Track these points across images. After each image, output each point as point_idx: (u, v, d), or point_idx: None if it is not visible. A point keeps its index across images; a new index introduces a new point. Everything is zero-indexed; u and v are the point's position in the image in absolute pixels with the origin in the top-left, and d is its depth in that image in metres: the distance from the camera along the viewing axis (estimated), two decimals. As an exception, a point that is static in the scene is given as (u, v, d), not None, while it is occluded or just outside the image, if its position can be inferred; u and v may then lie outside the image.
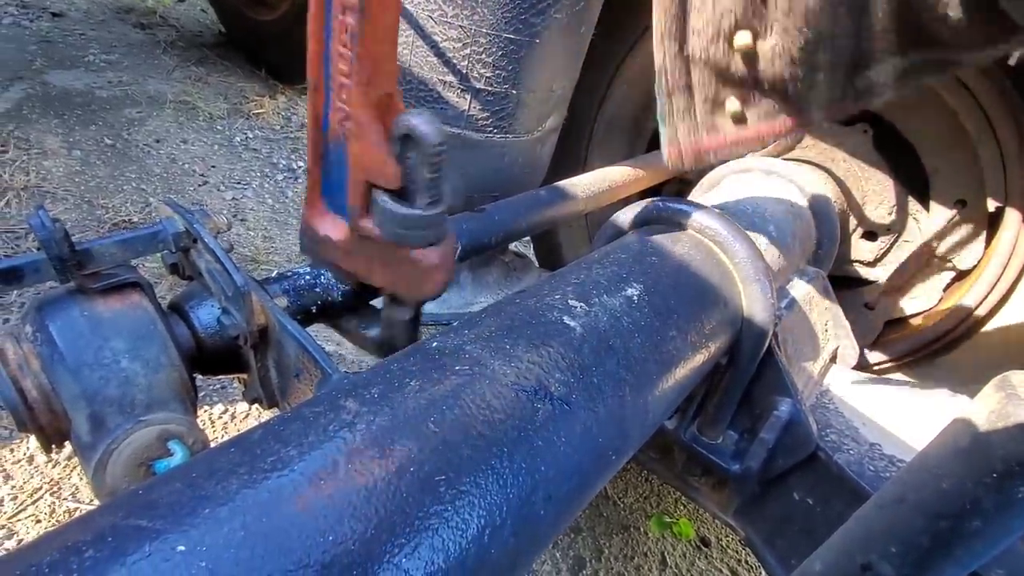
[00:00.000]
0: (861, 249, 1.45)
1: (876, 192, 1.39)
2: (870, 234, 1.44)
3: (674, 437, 1.00)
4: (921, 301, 1.43)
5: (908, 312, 1.45)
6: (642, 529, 1.78)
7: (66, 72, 3.47)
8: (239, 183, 2.99)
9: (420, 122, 0.59)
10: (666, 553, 1.74)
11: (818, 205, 1.29)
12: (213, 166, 3.05)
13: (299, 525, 0.40)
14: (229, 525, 0.39)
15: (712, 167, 1.45)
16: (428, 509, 0.44)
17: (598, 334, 0.65)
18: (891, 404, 1.07)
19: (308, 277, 0.77)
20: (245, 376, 0.73)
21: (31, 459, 1.63)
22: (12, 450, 1.63)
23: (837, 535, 0.64)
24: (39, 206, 0.61)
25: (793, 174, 1.31)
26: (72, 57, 3.68)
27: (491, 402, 0.53)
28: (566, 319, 0.65)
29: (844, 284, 1.47)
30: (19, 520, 1.50)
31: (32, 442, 1.66)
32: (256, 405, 0.76)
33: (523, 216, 1.09)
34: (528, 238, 2.21)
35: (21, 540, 1.48)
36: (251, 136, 3.40)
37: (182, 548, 0.37)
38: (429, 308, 1.43)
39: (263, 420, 0.51)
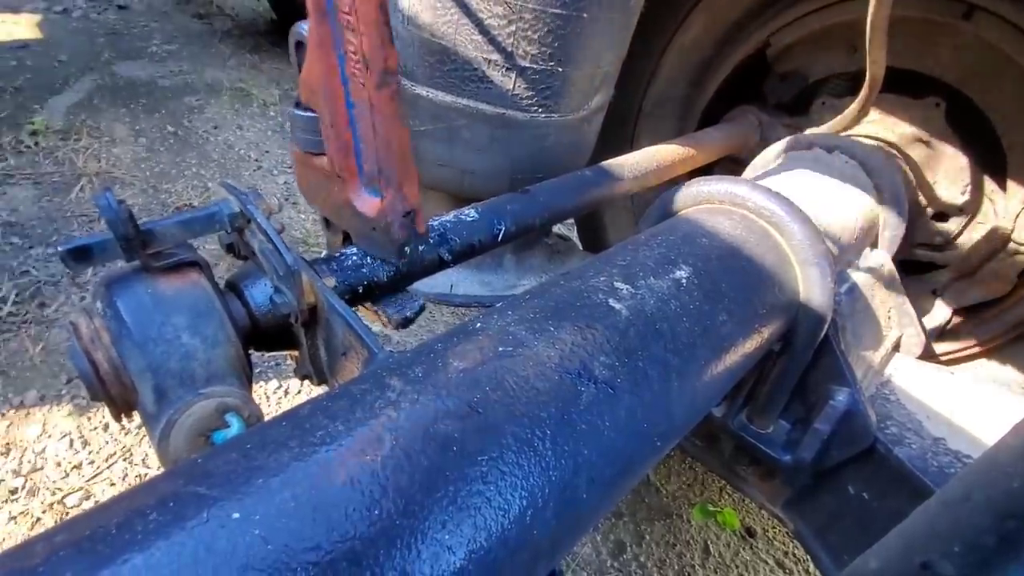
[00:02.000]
0: (931, 231, 1.36)
1: (948, 170, 1.29)
2: (941, 215, 1.34)
3: (722, 425, 0.97)
4: (995, 288, 1.33)
5: (981, 299, 1.35)
6: (685, 517, 1.76)
7: (132, 63, 3.65)
8: (291, 168, 3.08)
9: None
10: (709, 542, 1.71)
11: (884, 184, 1.21)
12: (267, 151, 3.15)
13: (346, 498, 0.41)
14: (280, 495, 0.40)
15: (766, 145, 1.39)
16: (471, 487, 0.44)
17: (644, 317, 0.63)
18: (959, 397, 1.00)
19: (355, 258, 0.78)
20: (296, 353, 0.76)
21: (107, 427, 1.76)
22: (89, 418, 1.76)
23: (895, 532, 0.61)
24: (106, 188, 0.65)
25: (856, 151, 1.23)
26: (137, 48, 3.86)
27: (534, 384, 0.52)
28: (611, 301, 0.63)
29: (912, 268, 1.38)
30: (95, 483, 1.63)
31: (106, 411, 1.79)
32: (307, 381, 0.78)
33: (568, 197, 1.07)
34: (572, 220, 2.18)
35: (97, 502, 1.60)
36: (302, 121, 3.49)
37: (237, 515, 0.38)
38: (473, 291, 1.44)
39: (313, 396, 0.53)
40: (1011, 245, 1.27)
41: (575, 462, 0.51)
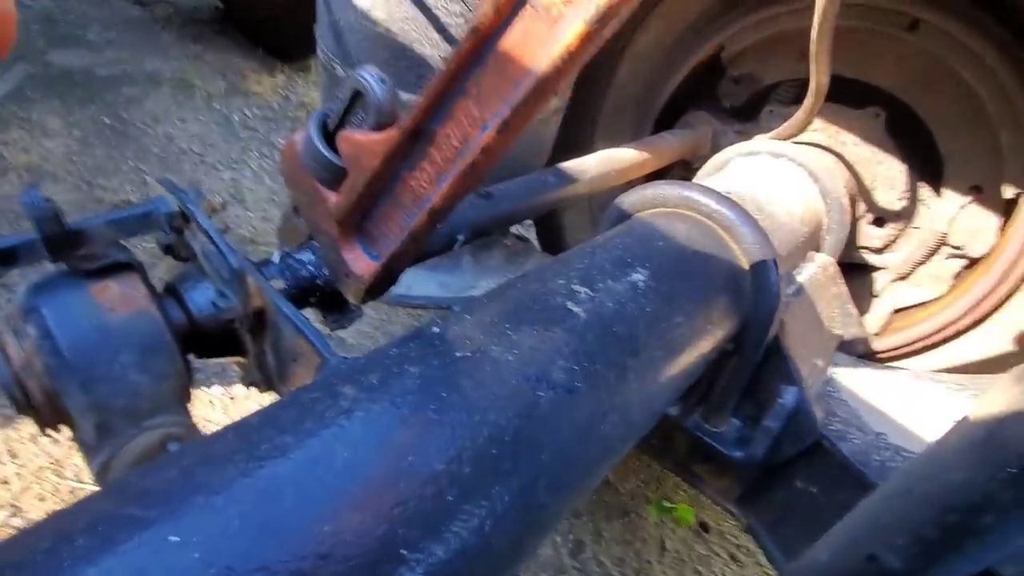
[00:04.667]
0: (870, 235, 1.42)
1: (887, 177, 1.36)
2: (879, 220, 1.41)
3: (677, 424, 0.99)
4: (930, 289, 1.41)
5: (916, 300, 1.43)
6: (642, 514, 1.79)
7: (67, 51, 3.43)
8: (237, 163, 2.96)
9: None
10: (665, 538, 1.75)
11: (827, 190, 1.26)
12: (211, 145, 3.02)
13: (296, 515, 0.39)
14: (224, 514, 0.38)
15: (718, 150, 1.42)
16: (427, 499, 0.43)
17: (602, 320, 0.63)
18: (898, 393, 1.06)
19: (307, 260, 0.75)
20: (242, 359, 0.72)
21: (35, 438, 1.64)
22: (16, 429, 1.64)
23: (842, 525, 0.63)
24: (31, 185, 0.60)
25: (802, 158, 1.28)
26: (73, 36, 3.63)
27: (492, 389, 0.51)
28: (570, 304, 0.63)
29: (852, 271, 1.45)
30: (24, 498, 1.52)
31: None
32: (255, 388, 0.75)
33: (527, 198, 1.07)
34: (530, 221, 2.18)
35: (27, 518, 1.49)
36: (249, 115, 3.36)
37: (174, 538, 0.36)
38: (430, 292, 1.42)
39: (262, 402, 0.50)
40: (945, 248, 1.35)
41: (534, 468, 0.50)
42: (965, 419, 0.50)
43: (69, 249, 0.59)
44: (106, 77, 3.29)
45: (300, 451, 0.42)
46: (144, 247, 2.11)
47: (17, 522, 1.48)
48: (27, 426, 1.65)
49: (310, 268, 0.74)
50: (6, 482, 1.53)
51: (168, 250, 0.71)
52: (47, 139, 2.71)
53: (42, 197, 0.58)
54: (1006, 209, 1.27)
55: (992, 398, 0.47)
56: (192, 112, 3.22)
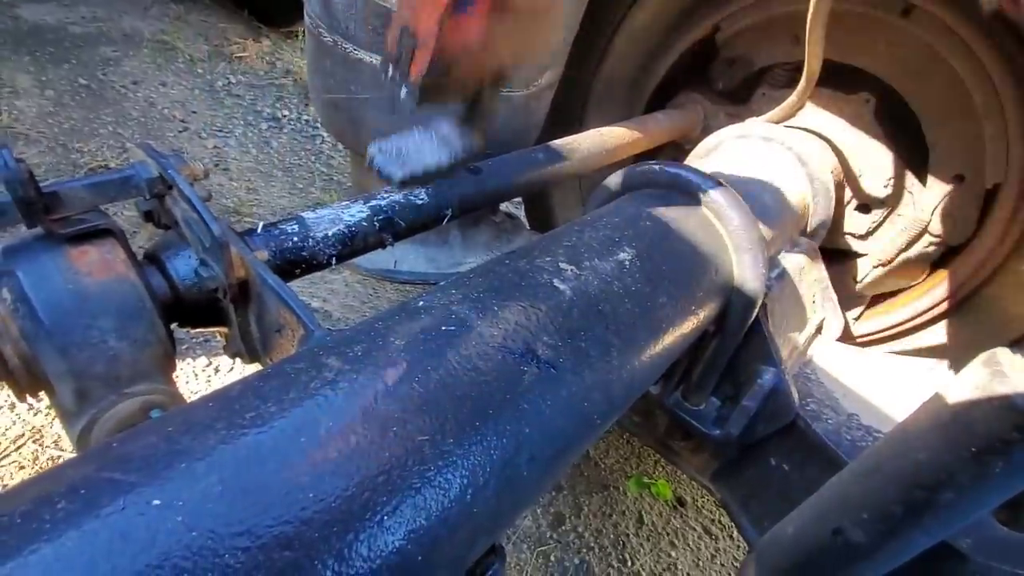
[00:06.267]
0: (854, 221, 1.44)
1: (873, 164, 1.37)
2: (864, 206, 1.43)
3: (658, 402, 1.01)
4: (909, 276, 1.44)
5: (896, 286, 1.46)
6: (621, 489, 1.83)
7: (37, 6, 3.28)
8: (221, 131, 2.89)
9: None
10: (643, 512, 1.79)
11: (814, 175, 1.27)
12: (194, 112, 2.94)
13: (279, 481, 0.39)
14: (206, 480, 0.38)
15: (709, 132, 1.42)
16: (411, 468, 0.44)
17: (588, 298, 0.64)
18: (873, 376, 1.09)
19: (292, 231, 0.74)
20: (226, 330, 0.72)
21: (12, 406, 1.62)
22: (-9, 396, 1.62)
23: (811, 500, 0.65)
24: (2, 144, 0.58)
25: (792, 142, 1.29)
26: (43, -11, 3.47)
27: (477, 363, 0.52)
28: (556, 282, 0.63)
29: (834, 256, 1.47)
30: (2, 466, 1.50)
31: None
32: (239, 359, 0.74)
33: (516, 175, 1.06)
34: (519, 199, 2.17)
35: (5, 486, 1.48)
36: (233, 81, 3.27)
37: (157, 502, 0.36)
38: (418, 267, 1.41)
39: (246, 373, 0.50)
40: (926, 236, 1.37)
41: (516, 441, 0.51)
42: (933, 400, 0.52)
43: (44, 213, 0.58)
44: (81, 35, 3.16)
45: (283, 420, 0.42)
46: (124, 215, 2.07)
47: (-5, 489, 1.47)
48: (3, 394, 1.63)
49: (295, 239, 0.73)
50: (-17, 449, 1.51)
51: (148, 216, 0.70)
52: (18, 99, 2.61)
53: (14, 157, 0.56)
54: (986, 199, 1.30)
55: (960, 380, 0.49)
56: (174, 76, 3.12)
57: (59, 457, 1.56)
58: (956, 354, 1.35)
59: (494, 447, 0.49)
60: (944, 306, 1.37)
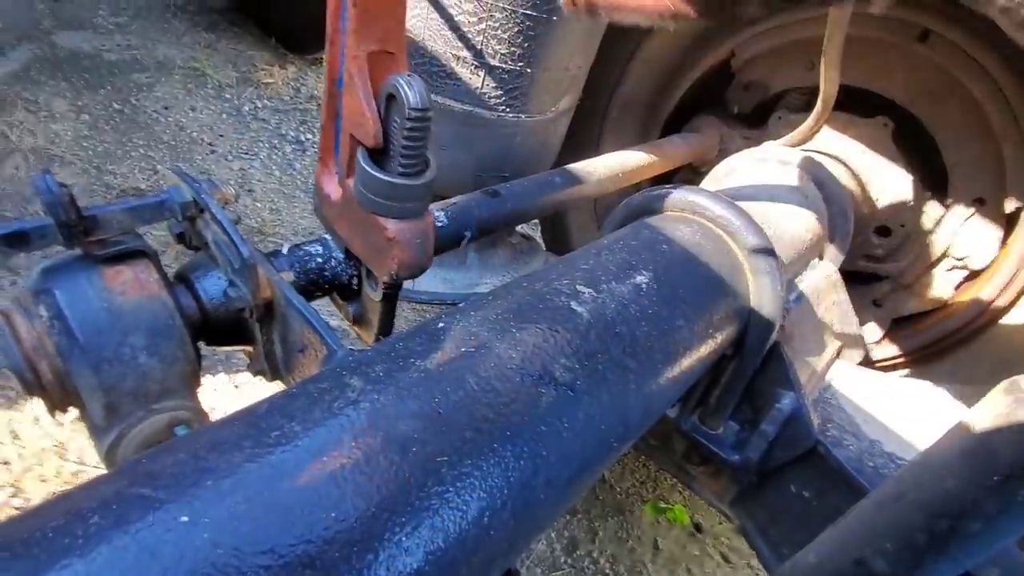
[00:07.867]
0: (873, 244, 1.43)
1: (892, 187, 1.36)
2: (883, 229, 1.42)
3: (675, 425, 1.00)
4: (931, 299, 1.41)
5: (917, 310, 1.44)
6: (637, 514, 1.80)
7: (75, 33, 3.43)
8: (247, 153, 2.97)
9: (405, 84, 0.58)
10: (659, 538, 1.76)
11: (833, 198, 1.27)
12: (221, 135, 3.03)
13: (302, 500, 0.40)
14: (232, 497, 0.39)
15: (725, 155, 1.43)
16: (430, 489, 0.44)
17: (605, 321, 0.64)
18: (894, 402, 1.07)
19: (316, 252, 0.76)
20: (250, 348, 0.73)
21: (37, 420, 1.65)
22: (19, 410, 1.66)
23: (833, 529, 0.64)
24: (45, 169, 0.61)
25: (809, 165, 1.29)
26: (81, 18, 3.63)
27: (495, 385, 0.53)
28: (573, 304, 0.64)
29: (854, 279, 1.46)
30: (26, 479, 1.53)
31: (38, 403, 1.69)
32: (260, 376, 0.76)
33: (534, 198, 1.08)
34: (536, 221, 2.19)
35: (28, 499, 1.51)
36: (260, 106, 3.37)
37: (184, 518, 0.37)
38: (435, 288, 1.43)
39: (267, 391, 0.51)
40: (947, 259, 1.35)
41: (533, 463, 0.51)
42: (957, 427, 0.51)
43: (83, 235, 0.60)
44: (115, 62, 3.30)
45: (307, 439, 0.43)
46: (153, 235, 2.13)
47: (17, 502, 1.49)
48: (29, 407, 1.67)
49: (318, 260, 0.75)
50: (7, 463, 1.55)
51: (180, 238, 0.72)
52: (54, 122, 2.72)
53: (57, 183, 0.59)
54: (1008, 222, 1.28)
55: (983, 407, 0.48)
56: (203, 101, 3.23)
57: (81, 470, 1.59)
58: (979, 379, 1.32)
59: (512, 469, 0.49)
60: (968, 330, 1.34)
